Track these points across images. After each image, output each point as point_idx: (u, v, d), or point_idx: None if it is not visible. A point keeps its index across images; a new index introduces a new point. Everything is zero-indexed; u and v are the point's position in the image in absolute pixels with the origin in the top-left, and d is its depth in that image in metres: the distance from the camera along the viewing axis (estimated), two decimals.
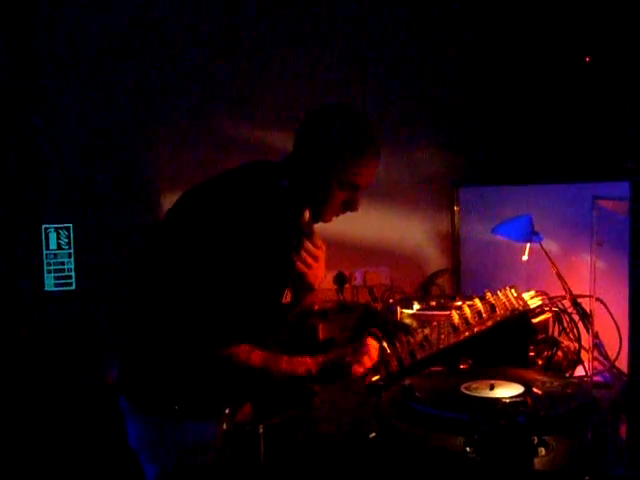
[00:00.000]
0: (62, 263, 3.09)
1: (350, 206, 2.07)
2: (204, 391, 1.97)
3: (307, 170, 1.99)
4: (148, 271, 2.07)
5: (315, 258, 1.98)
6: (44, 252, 3.06)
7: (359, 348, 1.99)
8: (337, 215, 2.09)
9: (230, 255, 1.87)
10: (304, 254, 1.96)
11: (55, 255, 3.08)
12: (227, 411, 1.67)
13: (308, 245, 1.97)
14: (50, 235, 3.07)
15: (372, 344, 2.02)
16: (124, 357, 2.15)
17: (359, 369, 1.95)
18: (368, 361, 1.97)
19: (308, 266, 1.96)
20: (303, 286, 2.01)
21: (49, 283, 3.08)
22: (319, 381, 1.96)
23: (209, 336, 1.89)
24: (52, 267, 3.08)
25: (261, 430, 1.40)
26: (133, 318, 2.13)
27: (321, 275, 2.05)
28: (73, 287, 3.11)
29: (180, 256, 1.94)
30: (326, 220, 2.08)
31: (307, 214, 1.95)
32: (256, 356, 1.92)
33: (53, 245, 3.08)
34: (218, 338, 1.89)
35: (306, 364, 1.96)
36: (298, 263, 1.96)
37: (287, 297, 2.04)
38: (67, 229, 3.09)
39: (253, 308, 1.93)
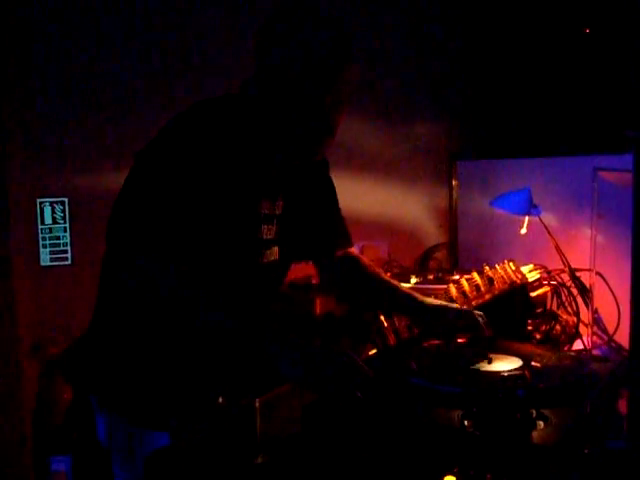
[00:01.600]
0: (57, 238, 3.07)
1: (330, 130, 1.70)
2: (178, 385, 1.71)
3: (277, 94, 1.66)
4: (108, 240, 1.67)
5: None
6: (39, 226, 3.04)
7: None
8: (315, 147, 1.73)
9: (184, 171, 1.58)
10: None
11: (50, 229, 3.06)
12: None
13: None
14: (45, 209, 3.05)
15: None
16: (88, 347, 1.83)
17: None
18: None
19: None
20: None
21: (44, 258, 3.07)
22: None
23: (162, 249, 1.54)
24: (47, 242, 3.06)
25: (257, 404, 1.39)
26: (98, 300, 1.82)
27: None
28: (69, 262, 3.09)
29: (136, 178, 1.65)
30: (310, 156, 1.77)
31: None
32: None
33: (48, 219, 3.06)
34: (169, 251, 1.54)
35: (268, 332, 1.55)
36: None
37: (274, 254, 1.83)
38: (62, 203, 3.07)
39: (231, 238, 1.67)
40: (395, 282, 2.04)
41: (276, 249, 1.85)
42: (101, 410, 1.77)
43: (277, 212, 1.83)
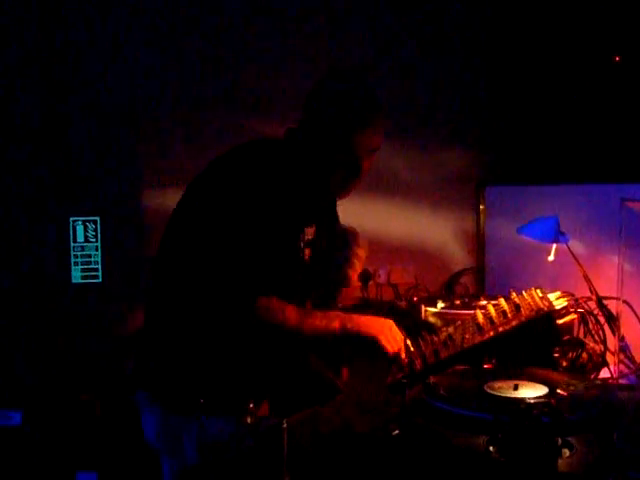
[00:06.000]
0: (89, 256, 3.12)
1: (358, 172, 2.04)
2: (227, 382, 1.94)
3: (318, 140, 1.99)
4: (166, 250, 2.05)
5: (360, 259, 2.07)
6: (71, 245, 3.10)
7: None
8: (346, 186, 2.07)
9: (249, 211, 1.89)
10: (354, 260, 2.04)
11: (82, 248, 3.11)
12: (251, 405, 1.67)
13: (357, 250, 2.07)
14: (77, 228, 3.10)
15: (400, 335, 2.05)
16: (142, 347, 2.12)
17: (390, 347, 1.99)
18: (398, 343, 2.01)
19: (356, 270, 2.05)
20: (340, 280, 2.06)
21: (76, 275, 3.11)
22: (351, 343, 2.00)
23: (232, 298, 1.87)
24: (79, 260, 3.11)
25: (285, 425, 1.40)
26: (151, 304, 2.10)
27: (359, 271, 2.12)
28: (99, 280, 3.14)
29: (199, 223, 1.93)
30: (341, 193, 2.11)
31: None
32: (291, 310, 1.92)
33: (80, 238, 3.11)
34: (242, 299, 1.87)
35: (339, 318, 1.97)
36: (348, 270, 2.03)
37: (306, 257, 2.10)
38: (94, 222, 3.12)
39: (274, 262, 1.94)
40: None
41: (303, 270, 2.12)
42: (153, 407, 2.02)
43: (310, 237, 2.12)
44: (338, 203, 2.26)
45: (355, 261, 2.09)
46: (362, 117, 1.96)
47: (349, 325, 1.97)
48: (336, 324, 1.96)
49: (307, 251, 2.10)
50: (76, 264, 3.11)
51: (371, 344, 1.99)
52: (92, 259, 3.13)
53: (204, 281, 1.89)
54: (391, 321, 2.06)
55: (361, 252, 2.09)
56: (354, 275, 2.10)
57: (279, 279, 1.97)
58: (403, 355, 1.99)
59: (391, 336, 2.01)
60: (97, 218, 3.12)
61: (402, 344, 2.02)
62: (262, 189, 1.92)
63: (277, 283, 1.95)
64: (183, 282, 1.95)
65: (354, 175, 2.02)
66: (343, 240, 2.13)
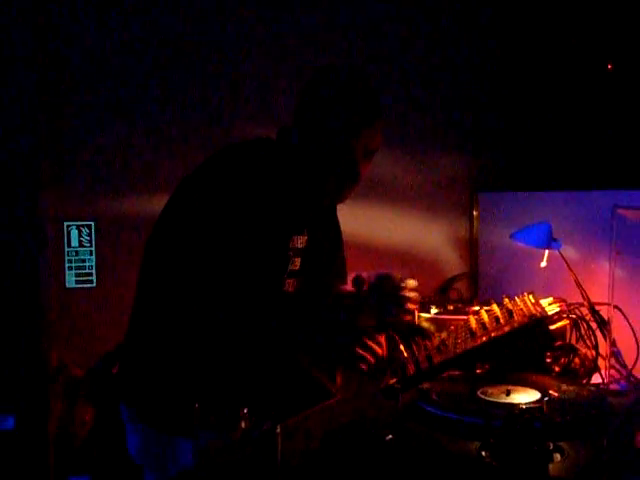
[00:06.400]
0: (83, 260, 3.13)
1: (356, 177, 1.90)
2: (213, 393, 1.84)
3: (313, 140, 1.87)
4: (148, 255, 1.94)
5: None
6: (65, 249, 3.10)
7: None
8: (341, 191, 1.94)
9: (232, 216, 1.78)
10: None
11: (76, 252, 3.12)
12: (244, 411, 1.65)
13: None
14: (72, 232, 3.11)
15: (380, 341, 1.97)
16: (124, 359, 2.03)
17: (363, 366, 1.90)
18: (372, 356, 1.92)
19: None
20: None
21: (70, 280, 3.12)
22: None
23: (200, 306, 1.77)
24: (73, 264, 3.12)
25: (278, 430, 1.41)
26: (134, 315, 1.99)
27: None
28: (94, 284, 3.14)
29: (181, 232, 1.82)
30: (336, 199, 1.99)
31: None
32: (255, 321, 1.81)
33: (75, 242, 3.11)
34: (209, 307, 1.78)
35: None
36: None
37: (291, 286, 1.99)
38: (89, 227, 3.12)
39: (255, 270, 1.84)
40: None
41: (293, 281, 2.00)
42: (136, 423, 1.92)
43: (302, 246, 2.00)
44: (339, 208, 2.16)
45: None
46: (361, 115, 1.84)
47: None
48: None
49: (297, 260, 1.99)
50: (70, 268, 3.12)
51: (345, 366, 1.97)
52: (86, 264, 3.13)
53: (178, 287, 1.80)
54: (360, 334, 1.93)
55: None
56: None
57: (262, 288, 1.88)
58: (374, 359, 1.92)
59: (363, 351, 1.90)
60: (92, 223, 3.13)
61: (380, 348, 1.94)
62: (248, 193, 1.81)
63: (260, 291, 1.86)
64: (161, 288, 1.85)
65: (351, 180, 1.89)
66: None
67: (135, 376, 1.95)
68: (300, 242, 1.99)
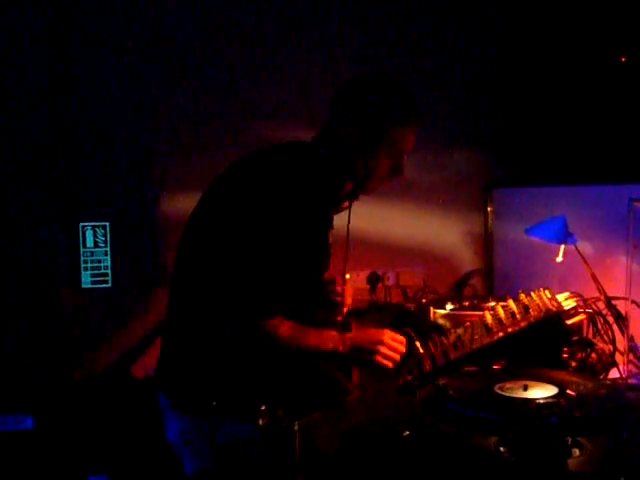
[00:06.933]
0: (99, 261, 3.14)
1: (397, 171, 2.06)
2: (240, 387, 1.94)
3: (350, 139, 1.98)
4: (185, 258, 2.04)
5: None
6: (81, 249, 3.11)
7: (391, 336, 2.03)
8: (382, 183, 2.08)
9: (273, 228, 1.86)
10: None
11: (92, 253, 3.13)
12: (263, 407, 1.67)
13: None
14: (87, 233, 3.12)
15: (400, 339, 2.04)
16: (164, 352, 2.13)
17: (388, 363, 1.99)
18: (396, 355, 2.00)
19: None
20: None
21: (85, 280, 3.13)
22: (347, 360, 2.02)
23: (247, 312, 1.87)
24: (89, 264, 3.13)
25: (296, 427, 1.41)
26: (171, 311, 2.10)
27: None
28: (109, 284, 3.16)
29: (219, 235, 1.91)
30: (371, 190, 2.08)
31: None
32: (285, 327, 1.90)
33: (90, 243, 3.12)
34: (256, 313, 1.87)
35: (333, 340, 1.96)
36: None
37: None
38: (104, 227, 3.13)
39: (294, 284, 1.93)
40: None
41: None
42: (176, 412, 2.02)
43: (331, 240, 2.11)
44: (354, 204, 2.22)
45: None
46: (401, 112, 1.97)
47: (341, 348, 1.96)
48: (329, 346, 1.96)
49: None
50: (86, 269, 3.13)
51: (368, 363, 2.01)
52: (102, 264, 3.14)
53: (216, 291, 1.90)
54: (387, 331, 2.04)
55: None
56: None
57: (311, 284, 2.01)
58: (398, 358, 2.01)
59: (388, 348, 2.01)
60: (106, 223, 3.14)
61: (403, 348, 2.03)
62: (290, 201, 1.88)
63: (301, 297, 1.98)
64: (198, 290, 1.95)
65: (396, 174, 2.04)
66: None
67: (175, 366, 2.06)
68: (331, 235, 2.10)
